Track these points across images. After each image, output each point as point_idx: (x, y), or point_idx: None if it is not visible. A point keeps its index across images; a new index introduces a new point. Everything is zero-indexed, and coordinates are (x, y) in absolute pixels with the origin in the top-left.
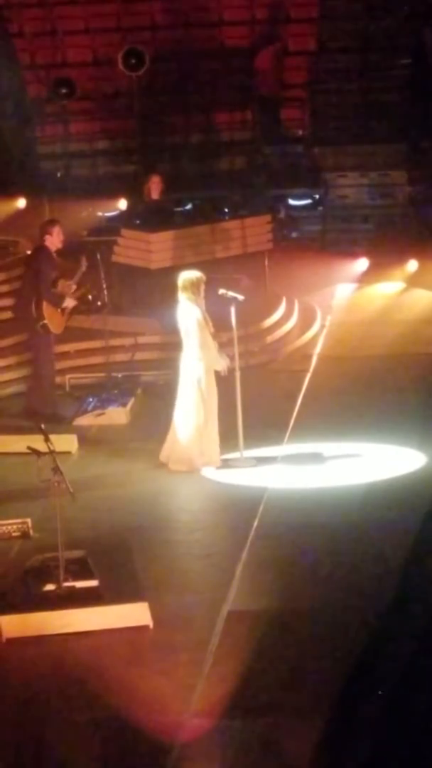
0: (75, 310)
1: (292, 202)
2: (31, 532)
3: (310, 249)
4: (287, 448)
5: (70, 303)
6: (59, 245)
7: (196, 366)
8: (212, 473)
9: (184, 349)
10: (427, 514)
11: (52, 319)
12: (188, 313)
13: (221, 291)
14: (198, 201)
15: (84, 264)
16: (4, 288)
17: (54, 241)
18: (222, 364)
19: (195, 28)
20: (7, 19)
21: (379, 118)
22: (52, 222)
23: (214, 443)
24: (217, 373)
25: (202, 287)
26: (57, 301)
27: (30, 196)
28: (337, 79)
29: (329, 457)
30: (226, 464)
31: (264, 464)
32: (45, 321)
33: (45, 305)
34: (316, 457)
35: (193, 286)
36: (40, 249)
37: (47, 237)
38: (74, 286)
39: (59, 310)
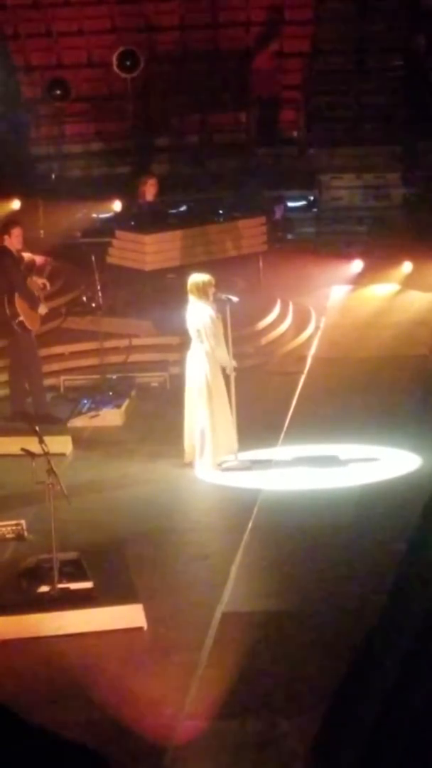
0: (70, 312)
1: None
2: (25, 533)
3: (304, 251)
4: (282, 450)
5: (43, 310)
6: (19, 246)
7: (204, 365)
8: (207, 475)
9: (193, 348)
10: (421, 516)
11: (26, 316)
12: (200, 313)
13: (216, 293)
14: (192, 203)
15: (51, 260)
16: None
17: (13, 242)
18: (231, 363)
19: (190, 30)
20: (1, 20)
21: (373, 119)
22: (12, 224)
23: (224, 439)
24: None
25: (211, 290)
26: (30, 298)
27: (24, 198)
28: (331, 81)
29: (324, 459)
30: (220, 466)
31: (259, 466)
32: (21, 318)
33: (18, 302)
34: (311, 459)
35: (199, 290)
36: (1, 250)
37: (6, 238)
38: (47, 283)
39: (34, 312)
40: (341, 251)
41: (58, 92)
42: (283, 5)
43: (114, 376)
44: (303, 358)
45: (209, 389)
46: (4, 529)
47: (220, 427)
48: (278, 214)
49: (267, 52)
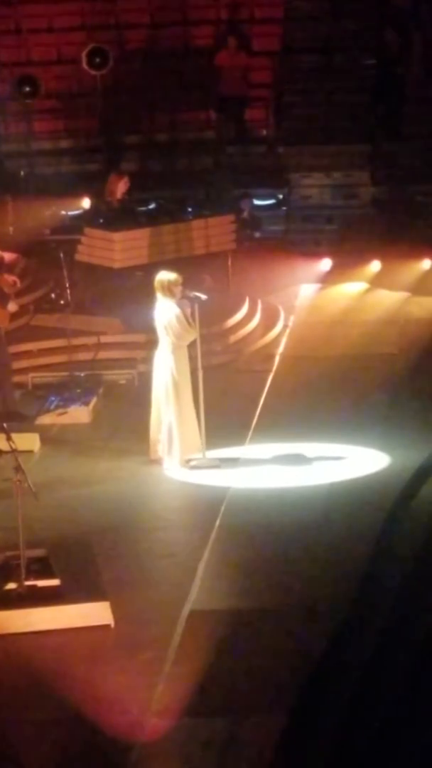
0: (38, 309)
1: (255, 202)
2: None
3: (273, 249)
4: (250, 448)
5: (13, 307)
6: None
7: (171, 363)
8: (175, 473)
9: (161, 346)
10: (389, 514)
11: None
12: (167, 310)
13: (184, 291)
14: (161, 200)
15: (22, 259)
16: None
17: None
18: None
19: (160, 28)
20: None
21: (343, 118)
22: None
23: (190, 437)
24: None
25: (178, 289)
26: None
27: None
28: (301, 79)
29: (292, 457)
30: (188, 464)
31: (227, 464)
32: None
33: None
34: (279, 458)
35: (164, 288)
36: None
37: None
38: (17, 280)
39: (3, 309)
40: (310, 249)
41: (27, 89)
42: (252, 3)
43: (82, 374)
44: (271, 357)
45: (176, 387)
46: None
47: (187, 424)
48: (245, 211)
49: (226, 49)
